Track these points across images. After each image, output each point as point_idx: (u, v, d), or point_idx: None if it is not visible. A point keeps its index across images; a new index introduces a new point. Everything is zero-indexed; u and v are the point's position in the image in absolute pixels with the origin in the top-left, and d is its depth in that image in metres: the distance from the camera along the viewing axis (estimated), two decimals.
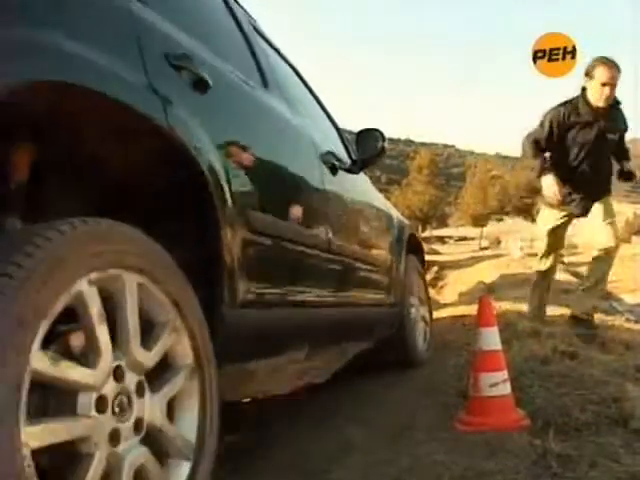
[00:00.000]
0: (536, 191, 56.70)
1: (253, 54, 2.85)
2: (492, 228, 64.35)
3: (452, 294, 10.70)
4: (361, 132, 3.82)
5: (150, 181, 1.83)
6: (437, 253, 32.31)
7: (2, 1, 1.31)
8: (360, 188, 3.93)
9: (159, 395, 1.61)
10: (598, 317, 5.67)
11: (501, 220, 62.81)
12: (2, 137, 1.35)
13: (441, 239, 62.22)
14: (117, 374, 1.45)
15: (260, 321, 2.29)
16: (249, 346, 2.25)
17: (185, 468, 1.68)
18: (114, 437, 1.41)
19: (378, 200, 4.42)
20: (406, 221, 5.02)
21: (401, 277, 4.45)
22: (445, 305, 8.91)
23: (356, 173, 3.79)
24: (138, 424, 1.51)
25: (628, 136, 5.30)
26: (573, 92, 4.96)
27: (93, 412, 1.35)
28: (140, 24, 1.79)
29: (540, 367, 3.74)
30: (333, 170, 3.25)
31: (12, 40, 1.27)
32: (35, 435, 1.20)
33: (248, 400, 3.71)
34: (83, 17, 1.56)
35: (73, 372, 1.32)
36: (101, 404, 1.38)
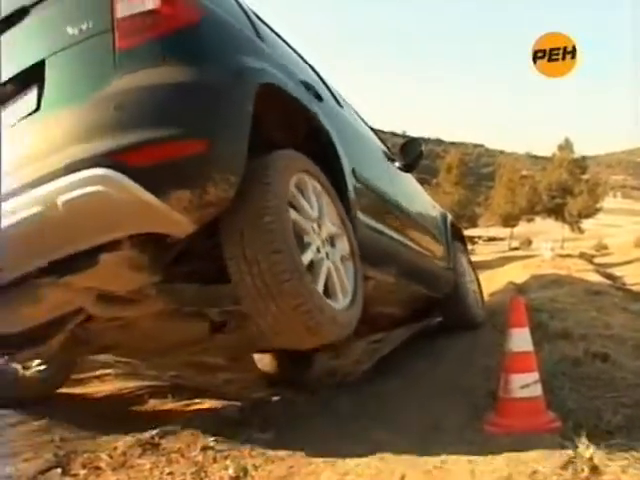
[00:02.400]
0: (568, 191, 55.85)
1: (326, 86, 4.06)
2: (522, 228, 63.86)
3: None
4: (405, 142, 5.15)
5: (306, 143, 3.09)
6: None
7: (250, 49, 2.90)
8: (410, 182, 5.27)
9: (335, 250, 2.93)
10: (630, 318, 5.61)
11: (532, 220, 62.26)
12: None
13: (471, 239, 61.88)
14: (319, 223, 2.83)
15: (369, 239, 3.47)
16: (363, 253, 3.21)
17: (347, 300, 2.88)
18: (318, 250, 2.74)
19: (424, 193, 5.97)
20: (447, 213, 6.41)
21: (449, 250, 5.78)
22: None
23: (406, 172, 4.96)
24: (329, 255, 2.83)
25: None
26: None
27: (312, 231, 2.74)
28: (288, 68, 3.27)
29: (571, 369, 3.71)
30: (392, 163, 4.69)
31: (261, 68, 2.78)
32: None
33: (276, 399, 3.73)
34: (274, 57, 3.17)
35: (308, 207, 2.79)
36: (313, 230, 2.76)
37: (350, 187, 3.28)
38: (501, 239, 64.16)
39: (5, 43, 2.66)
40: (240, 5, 3.30)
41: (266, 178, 2.53)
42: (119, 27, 2.39)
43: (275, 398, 4.13)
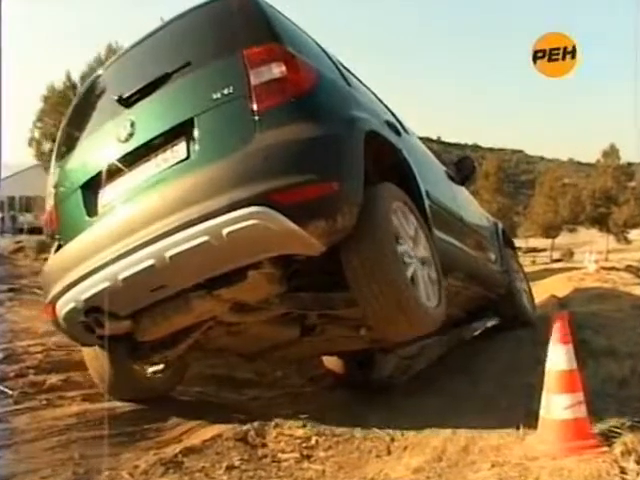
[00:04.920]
0: (613, 200, 54.89)
1: (394, 115, 4.77)
2: (564, 239, 63.08)
3: None
4: (459, 160, 6.08)
5: (389, 173, 3.78)
6: None
7: (349, 100, 3.74)
8: (466, 195, 6.13)
9: (424, 260, 3.65)
10: None
11: (574, 231, 61.52)
12: None
13: None
14: (412, 239, 3.59)
15: (441, 249, 4.04)
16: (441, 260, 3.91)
17: (435, 300, 3.60)
18: (413, 260, 3.48)
19: (477, 204, 6.94)
20: (498, 222, 7.32)
21: (502, 255, 6.57)
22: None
23: (460, 185, 5.81)
24: (420, 265, 3.57)
25: None
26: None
27: (408, 245, 3.49)
28: (374, 110, 4.13)
29: (617, 390, 3.64)
30: (451, 179, 5.56)
31: (363, 117, 3.58)
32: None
33: (304, 417, 3.71)
34: (363, 102, 3.97)
35: (405, 226, 3.55)
36: (409, 245, 3.53)
37: (427, 207, 4.01)
38: (542, 250, 63.43)
39: (149, 103, 3.53)
40: (330, 58, 4.10)
41: (376, 206, 3.30)
42: (256, 92, 3.15)
43: (303, 416, 4.11)
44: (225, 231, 2.94)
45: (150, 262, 3.14)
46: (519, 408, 3.62)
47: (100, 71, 4.32)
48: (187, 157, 3.28)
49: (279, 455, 3.30)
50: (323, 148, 3.12)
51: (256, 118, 3.12)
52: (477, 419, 3.64)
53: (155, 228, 3.12)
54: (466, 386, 4.53)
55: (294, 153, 3.07)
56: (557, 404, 2.94)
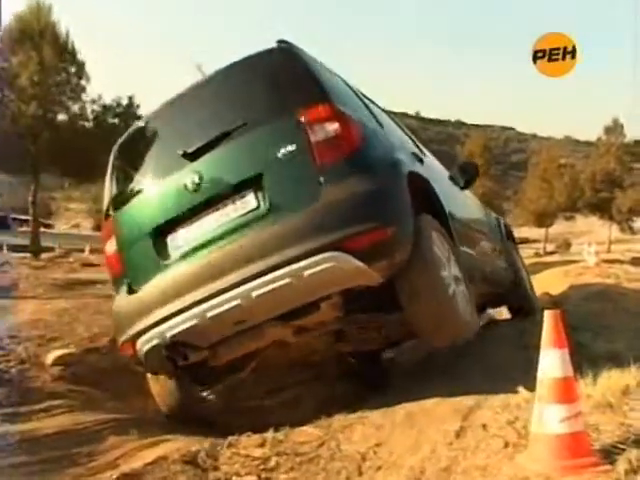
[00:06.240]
0: (616, 183, 55.09)
1: (416, 145, 6.07)
2: (560, 228, 63.72)
3: None
4: (463, 164, 7.04)
5: (420, 199, 4.66)
6: None
7: (387, 143, 4.98)
8: (469, 195, 7.44)
9: (458, 278, 4.86)
10: None
11: (571, 219, 62.11)
12: None
13: None
14: (449, 262, 4.79)
15: (465, 258, 5.20)
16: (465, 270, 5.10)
17: (470, 312, 4.79)
18: (450, 280, 4.67)
19: (479, 202, 8.33)
20: (500, 217, 9.18)
21: (507, 249, 8.31)
22: (502, 320, 8.79)
23: (464, 189, 6.78)
24: (456, 282, 4.78)
25: None
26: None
27: (447, 268, 4.70)
28: (403, 146, 5.39)
29: (620, 399, 3.67)
30: (455, 183, 6.51)
31: (401, 160, 4.78)
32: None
33: (260, 436, 3.70)
34: (394, 140, 5.25)
35: (442, 252, 4.72)
36: (448, 267, 4.75)
37: (452, 228, 5.14)
38: (535, 241, 63.98)
39: (213, 157, 4.46)
40: (360, 99, 5.23)
41: (420, 239, 4.38)
42: (317, 150, 4.16)
43: (257, 436, 4.09)
44: (306, 273, 4.00)
45: (237, 302, 4.13)
46: (506, 421, 3.62)
47: (141, 122, 5.29)
48: (257, 207, 4.28)
49: (233, 479, 3.30)
50: (379, 199, 4.16)
51: (320, 177, 4.15)
52: (460, 436, 3.63)
53: (241, 273, 4.10)
54: (443, 393, 4.54)
55: (356, 205, 4.11)
56: (551, 416, 2.91)
